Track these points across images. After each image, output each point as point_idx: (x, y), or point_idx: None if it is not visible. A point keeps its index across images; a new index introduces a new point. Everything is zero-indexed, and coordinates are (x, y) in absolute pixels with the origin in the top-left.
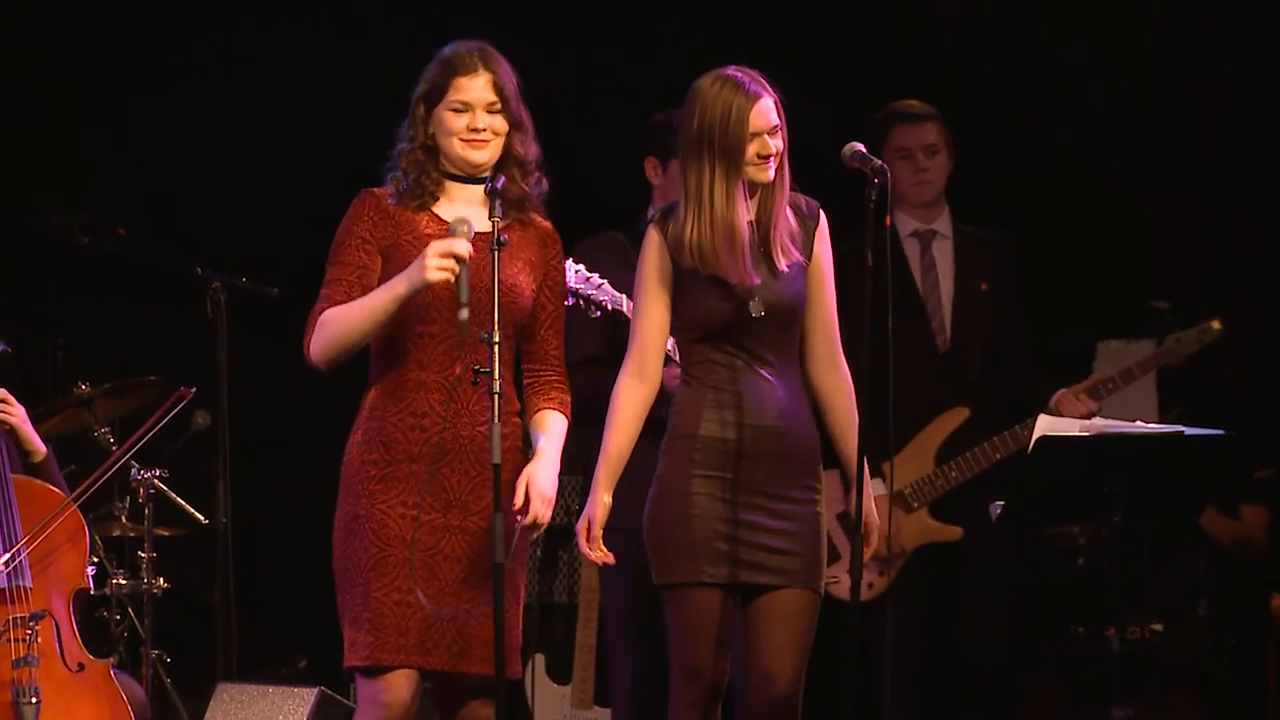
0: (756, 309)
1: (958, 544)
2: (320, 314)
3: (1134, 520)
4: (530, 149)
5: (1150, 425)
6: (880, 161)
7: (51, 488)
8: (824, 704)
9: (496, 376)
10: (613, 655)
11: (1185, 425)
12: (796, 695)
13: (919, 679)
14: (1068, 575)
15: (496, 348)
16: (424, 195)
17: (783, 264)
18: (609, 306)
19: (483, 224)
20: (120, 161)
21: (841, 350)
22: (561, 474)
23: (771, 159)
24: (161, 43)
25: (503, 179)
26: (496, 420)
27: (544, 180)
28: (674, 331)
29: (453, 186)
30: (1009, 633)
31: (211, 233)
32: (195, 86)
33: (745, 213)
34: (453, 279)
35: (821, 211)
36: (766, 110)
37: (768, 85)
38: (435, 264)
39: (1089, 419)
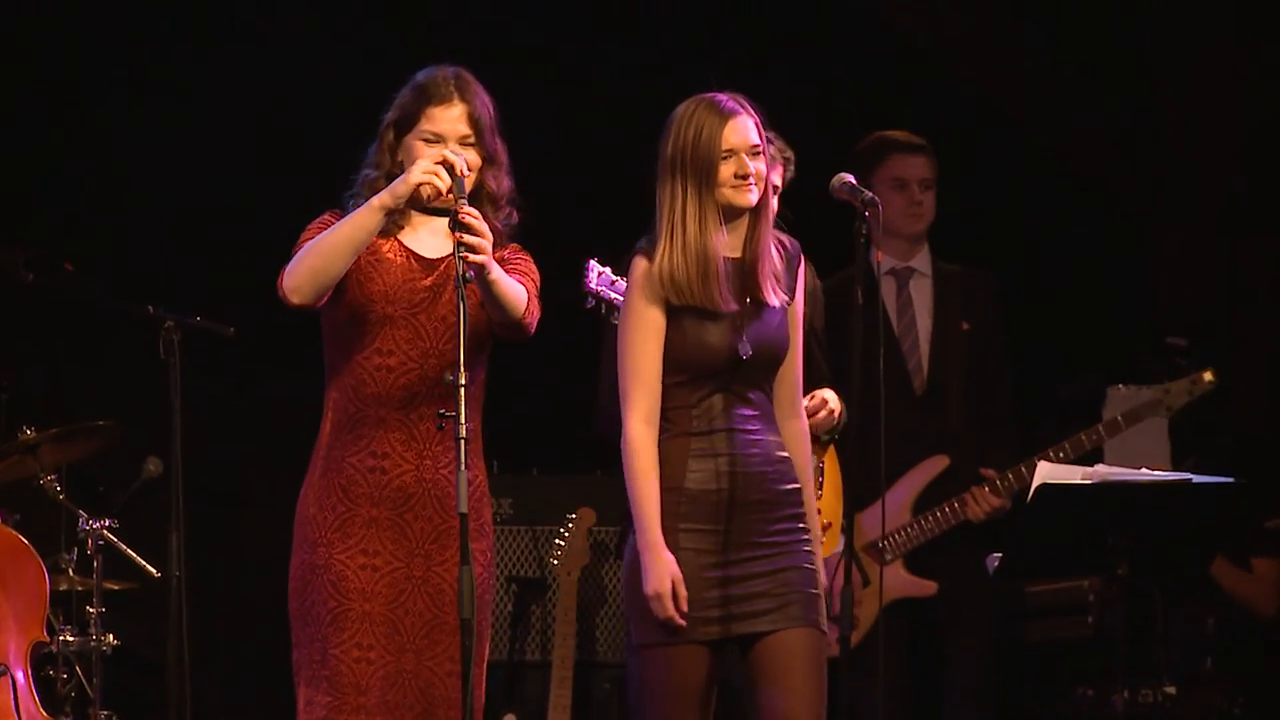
0: (744, 350)
1: (936, 599)
2: (309, 242)
3: (1139, 573)
4: (503, 183)
5: (1155, 473)
6: (871, 194)
7: (16, 535)
8: None
9: (463, 421)
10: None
11: (1196, 474)
12: None
13: None
14: (1076, 634)
15: (463, 390)
16: (388, 225)
17: (772, 300)
18: None
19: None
20: (67, 194)
21: (803, 400)
22: (536, 523)
23: (751, 180)
24: (108, 72)
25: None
26: (463, 468)
27: (515, 214)
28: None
29: (418, 216)
30: (992, 694)
31: (164, 269)
32: (143, 116)
33: (721, 237)
34: (441, 186)
35: (801, 251)
36: (744, 128)
37: (749, 107)
38: (425, 167)
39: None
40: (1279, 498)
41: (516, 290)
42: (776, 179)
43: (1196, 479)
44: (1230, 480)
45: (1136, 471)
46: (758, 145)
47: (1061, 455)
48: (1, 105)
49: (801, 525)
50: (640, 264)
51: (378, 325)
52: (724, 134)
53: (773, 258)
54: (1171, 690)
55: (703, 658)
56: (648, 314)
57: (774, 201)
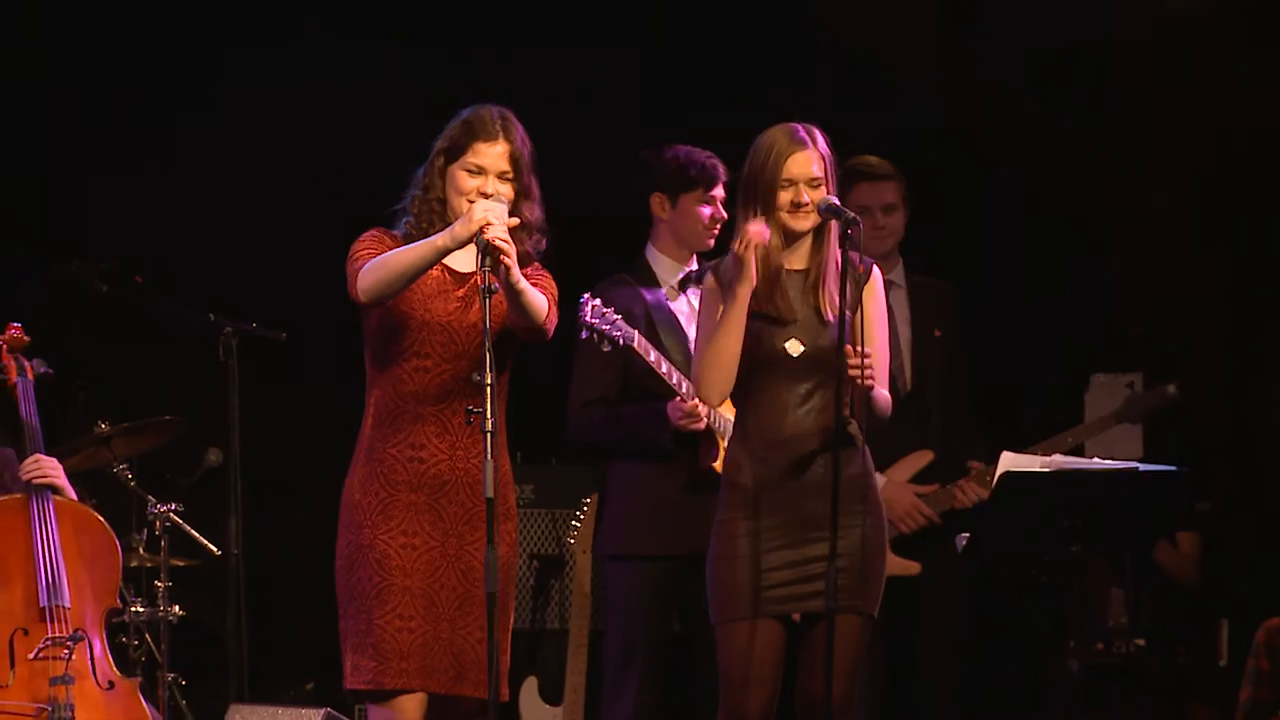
0: (795, 348)
1: (915, 578)
2: (364, 263)
3: (1091, 551)
4: (534, 213)
5: (1107, 462)
6: (853, 214)
7: (95, 514)
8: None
9: (489, 416)
10: (614, 684)
11: (1144, 463)
12: (845, 711)
13: (885, 697)
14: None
15: (489, 389)
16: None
17: (829, 315)
18: (621, 342)
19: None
20: (137, 211)
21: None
22: (555, 506)
23: (804, 209)
24: (170, 97)
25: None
26: (489, 457)
27: (544, 240)
28: None
29: None
30: (958, 659)
31: (223, 280)
32: (209, 140)
33: (783, 258)
34: (495, 225)
35: (875, 267)
36: (805, 161)
37: (819, 141)
38: (484, 220)
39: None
40: (1211, 484)
41: (539, 300)
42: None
43: (1143, 467)
44: (1173, 469)
45: (1090, 460)
46: (818, 178)
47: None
48: (72, 128)
49: (863, 510)
50: (709, 281)
51: (416, 331)
52: (787, 164)
53: (830, 277)
54: (1141, 643)
55: (762, 636)
56: (710, 322)
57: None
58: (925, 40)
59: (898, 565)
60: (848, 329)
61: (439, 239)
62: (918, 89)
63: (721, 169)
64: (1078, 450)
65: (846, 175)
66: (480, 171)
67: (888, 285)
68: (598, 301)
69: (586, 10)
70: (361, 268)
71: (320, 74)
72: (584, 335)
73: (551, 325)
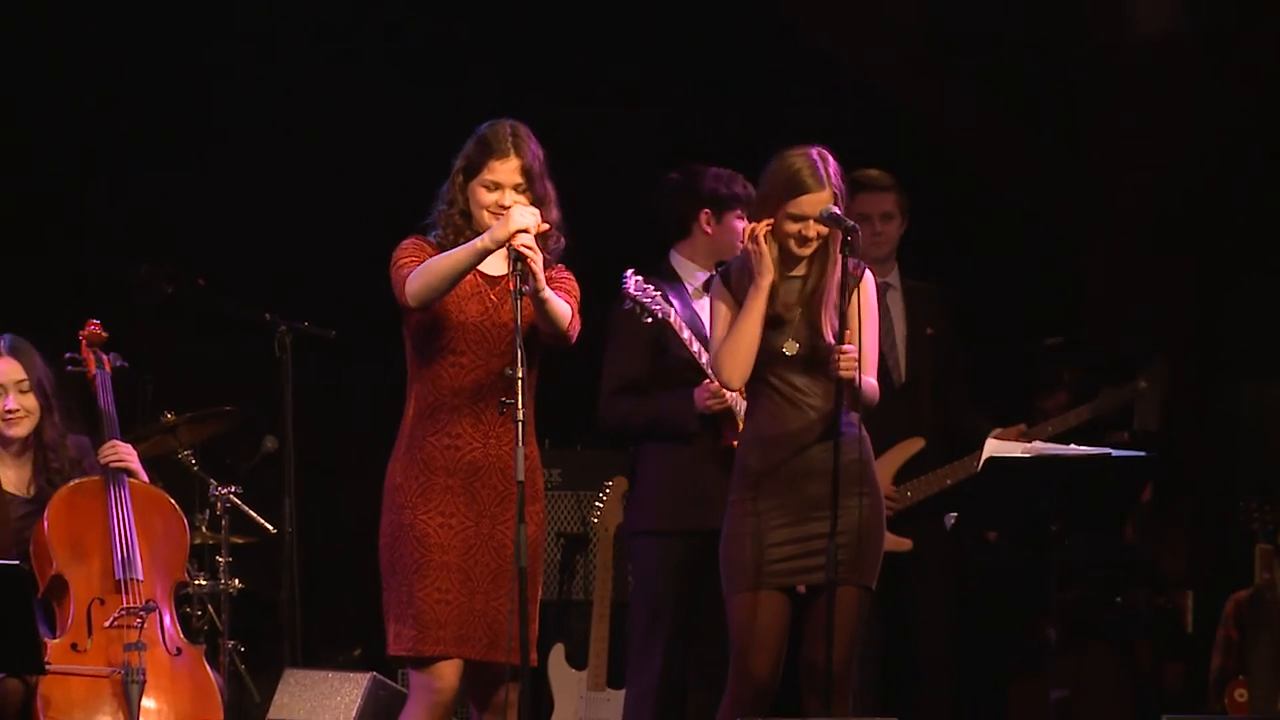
0: (790, 347)
1: (908, 554)
2: (409, 271)
3: (1068, 529)
4: (552, 215)
5: (1082, 448)
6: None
7: (165, 495)
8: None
9: (520, 406)
10: (640, 650)
11: (1116, 449)
12: (847, 680)
13: (880, 662)
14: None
15: (520, 381)
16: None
17: (825, 318)
18: (660, 315)
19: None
20: (198, 217)
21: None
22: (580, 489)
23: (811, 242)
24: (229, 112)
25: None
26: (520, 444)
27: (562, 239)
28: None
29: None
30: (955, 628)
31: (278, 281)
32: (265, 152)
33: (786, 268)
34: (524, 234)
35: (868, 270)
36: (819, 202)
37: (834, 176)
38: (520, 226)
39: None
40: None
41: (564, 308)
42: None
43: (1115, 453)
44: (1141, 454)
45: (1066, 446)
46: (835, 214)
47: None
48: (144, 141)
49: (862, 492)
50: (719, 287)
51: (453, 331)
52: (800, 201)
53: (834, 292)
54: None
55: (769, 606)
56: (728, 317)
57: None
58: (911, 59)
59: (891, 542)
60: (843, 327)
61: (479, 242)
62: (904, 105)
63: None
64: (1058, 438)
65: (850, 185)
66: (496, 187)
67: (884, 288)
68: (640, 277)
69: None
70: (407, 275)
71: (365, 90)
72: (627, 306)
73: (574, 332)
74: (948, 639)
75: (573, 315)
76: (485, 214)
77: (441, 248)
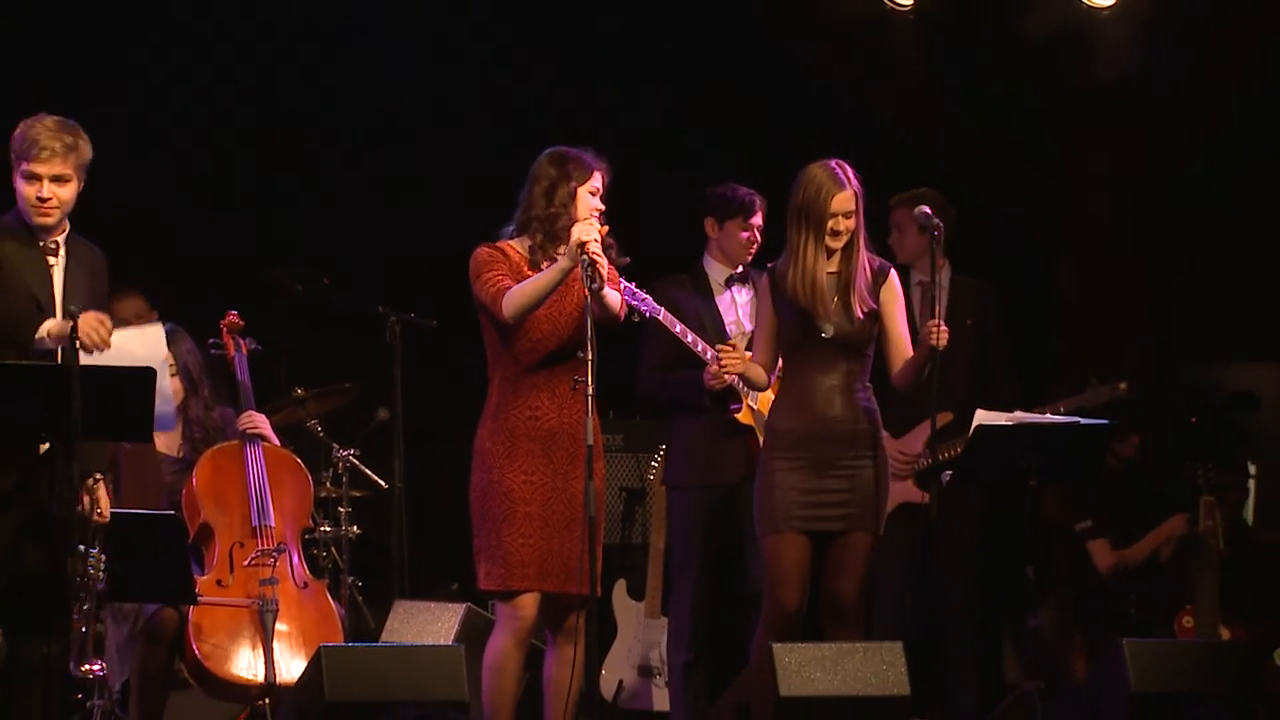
0: (827, 331)
1: (939, 509)
2: (502, 290)
3: (1044, 484)
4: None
5: (1056, 417)
6: (938, 221)
7: (293, 456)
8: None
9: (591, 381)
10: (676, 583)
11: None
12: (860, 610)
13: (902, 600)
14: None
15: (590, 362)
16: (538, 257)
17: (858, 310)
18: (647, 314)
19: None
20: (324, 224)
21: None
22: (638, 451)
23: (842, 234)
24: (347, 132)
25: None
26: (590, 414)
27: (614, 248)
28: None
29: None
30: (973, 572)
31: (390, 279)
32: (376, 167)
33: (824, 266)
34: (592, 243)
35: (892, 269)
36: (847, 199)
37: (854, 179)
38: (588, 239)
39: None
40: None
41: (615, 297)
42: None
43: (1083, 421)
44: (1104, 422)
45: (1043, 415)
46: (853, 210)
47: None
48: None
49: (871, 454)
50: (765, 280)
51: (530, 320)
52: (832, 201)
53: (865, 276)
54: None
55: (794, 546)
56: (766, 310)
57: (862, 242)
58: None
59: (914, 493)
60: (875, 324)
61: (562, 263)
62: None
63: (759, 202)
64: None
65: (911, 198)
66: (597, 193)
67: (930, 286)
68: (632, 285)
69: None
70: (500, 292)
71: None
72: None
73: (622, 314)
74: (968, 583)
75: (620, 304)
76: (584, 213)
77: (533, 249)
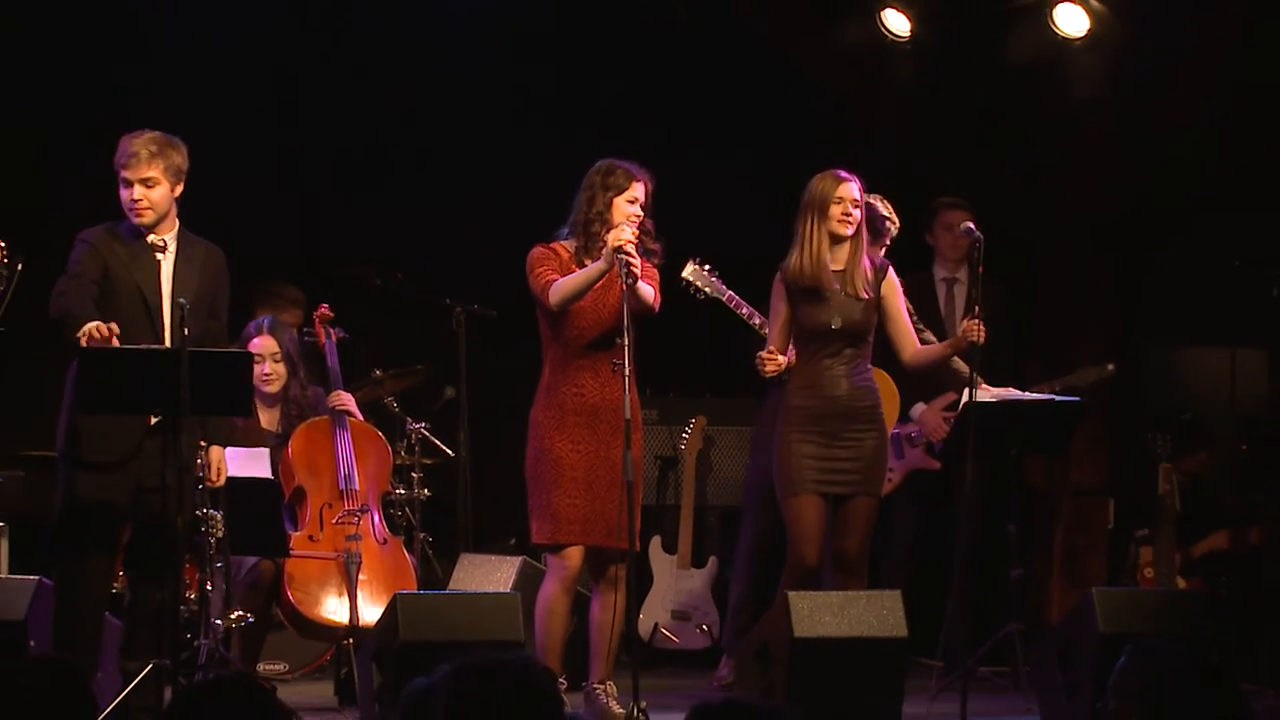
0: (835, 323)
1: (950, 476)
2: (550, 284)
3: (1023, 453)
4: (648, 226)
5: (1033, 394)
6: (979, 234)
7: (374, 429)
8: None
9: (628, 363)
10: (743, 527)
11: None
12: (864, 563)
13: (911, 551)
14: None
15: (628, 347)
16: (581, 256)
17: (860, 294)
18: (709, 293)
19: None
20: (396, 224)
21: (918, 346)
22: (671, 424)
23: (849, 220)
24: (420, 142)
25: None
26: (627, 391)
27: (649, 242)
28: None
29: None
30: (981, 530)
31: (457, 273)
32: (443, 173)
33: (829, 252)
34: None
35: (890, 266)
36: (850, 190)
37: (856, 177)
38: (621, 241)
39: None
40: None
41: (648, 290)
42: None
43: (1057, 398)
44: (1076, 399)
45: (1023, 393)
46: (857, 200)
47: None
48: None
49: (874, 428)
50: (778, 278)
51: (576, 312)
52: (838, 191)
53: (865, 269)
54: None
55: (809, 506)
56: (779, 303)
57: (865, 238)
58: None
59: (926, 460)
60: (876, 314)
61: (600, 264)
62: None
63: None
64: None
65: (938, 207)
66: (635, 201)
67: (953, 281)
68: (696, 263)
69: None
70: (548, 285)
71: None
72: (683, 285)
73: (657, 305)
74: (968, 540)
75: (656, 297)
76: (620, 219)
77: (579, 249)
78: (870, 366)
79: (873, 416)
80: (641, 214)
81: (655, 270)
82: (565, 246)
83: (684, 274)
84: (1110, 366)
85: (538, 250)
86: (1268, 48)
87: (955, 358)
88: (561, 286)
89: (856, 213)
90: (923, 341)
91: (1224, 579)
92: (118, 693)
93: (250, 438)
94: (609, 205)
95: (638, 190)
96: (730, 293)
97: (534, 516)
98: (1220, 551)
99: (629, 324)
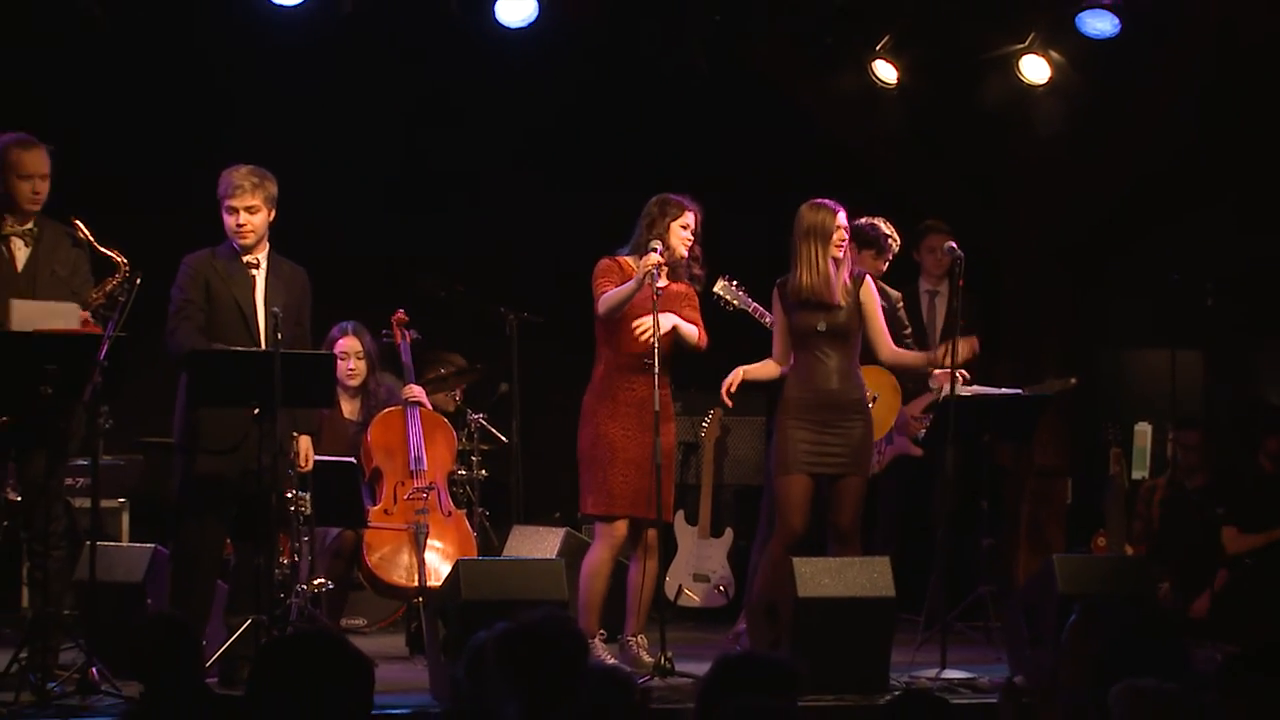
0: (822, 325)
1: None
2: (604, 290)
3: (995, 441)
4: (696, 251)
5: (1003, 390)
6: (960, 252)
7: (441, 418)
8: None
9: (656, 361)
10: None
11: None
12: (857, 534)
13: (898, 524)
14: None
15: (656, 349)
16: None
17: (841, 302)
18: (736, 305)
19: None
20: (453, 242)
21: (893, 346)
22: (692, 415)
23: (843, 245)
24: (473, 159)
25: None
26: (657, 387)
27: (695, 267)
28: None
29: (632, 266)
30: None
31: (512, 284)
32: (495, 194)
33: (831, 271)
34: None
35: (867, 276)
36: (844, 219)
37: (843, 209)
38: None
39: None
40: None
41: (690, 330)
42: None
43: (1024, 392)
44: (1044, 395)
45: (996, 389)
46: (845, 229)
47: None
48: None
49: (861, 417)
50: (776, 294)
51: (622, 319)
52: (835, 221)
53: (845, 282)
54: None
55: (801, 485)
56: (779, 317)
57: (848, 258)
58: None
59: (910, 447)
60: (855, 318)
61: (632, 284)
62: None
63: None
64: None
65: (924, 229)
66: (685, 228)
67: (935, 293)
68: (726, 279)
69: None
70: (603, 294)
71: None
72: (714, 299)
73: (703, 344)
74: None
75: (700, 335)
76: (676, 242)
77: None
78: (857, 363)
79: (860, 407)
80: (692, 239)
81: (696, 301)
82: (628, 261)
83: (715, 289)
84: (1074, 380)
85: (604, 262)
86: (1205, 93)
87: (933, 371)
88: (607, 299)
89: (845, 242)
90: (905, 347)
91: None
92: (223, 643)
93: (335, 426)
94: (666, 230)
95: (689, 218)
96: (755, 304)
97: (587, 491)
98: None
99: (656, 332)
